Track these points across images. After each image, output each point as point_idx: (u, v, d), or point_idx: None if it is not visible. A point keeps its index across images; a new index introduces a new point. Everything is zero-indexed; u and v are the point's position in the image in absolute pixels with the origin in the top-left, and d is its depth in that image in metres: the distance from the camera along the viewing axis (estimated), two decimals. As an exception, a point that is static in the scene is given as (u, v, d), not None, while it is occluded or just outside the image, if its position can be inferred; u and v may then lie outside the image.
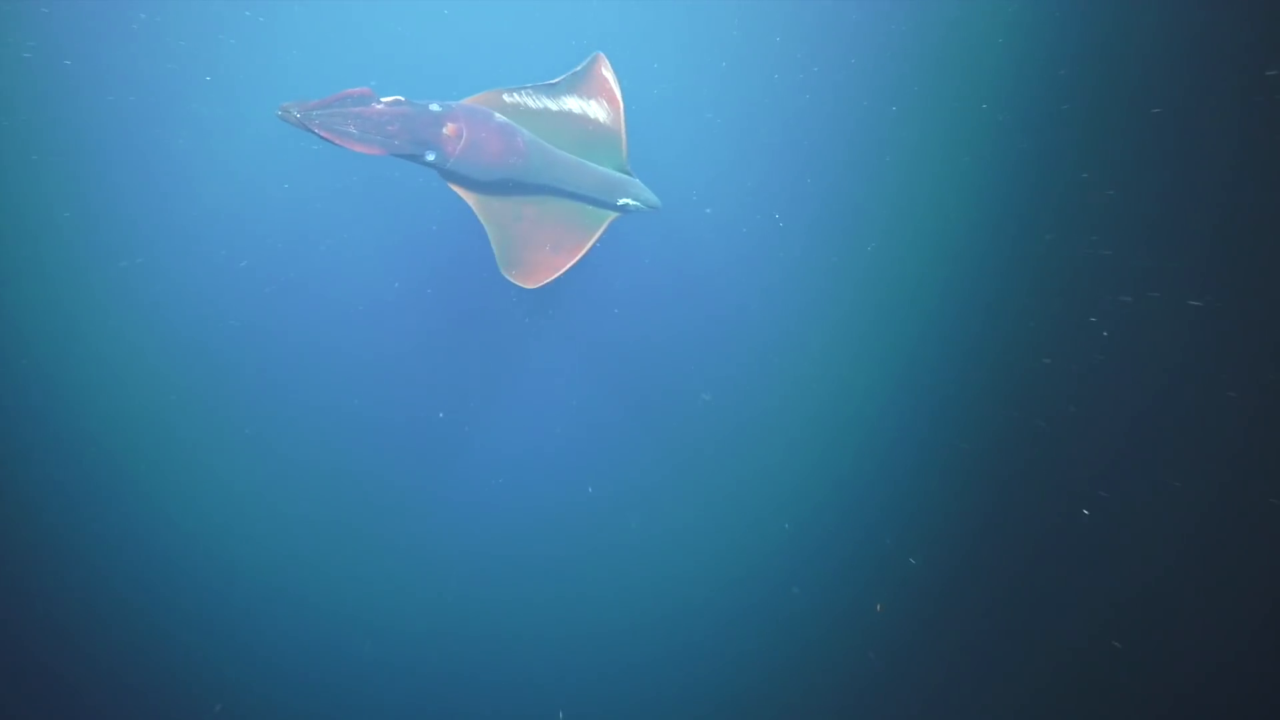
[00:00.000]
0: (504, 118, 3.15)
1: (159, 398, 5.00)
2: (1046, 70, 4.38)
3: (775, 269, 4.94)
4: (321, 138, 2.63)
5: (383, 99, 2.78)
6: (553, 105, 3.43)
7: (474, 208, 3.17)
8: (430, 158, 2.91)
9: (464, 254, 4.71)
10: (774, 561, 5.18)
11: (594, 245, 3.55)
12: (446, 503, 5.23)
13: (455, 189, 3.15)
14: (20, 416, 4.94)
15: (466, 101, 3.17)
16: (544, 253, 3.31)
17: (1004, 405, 4.63)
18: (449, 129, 2.92)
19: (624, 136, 3.57)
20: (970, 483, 4.74)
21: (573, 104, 3.51)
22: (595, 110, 3.55)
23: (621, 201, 3.53)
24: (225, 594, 5.15)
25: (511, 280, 3.24)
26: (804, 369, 4.97)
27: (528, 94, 3.43)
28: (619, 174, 3.58)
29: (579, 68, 3.49)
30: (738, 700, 5.12)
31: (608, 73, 3.48)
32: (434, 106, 2.93)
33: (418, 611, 5.20)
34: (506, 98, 3.36)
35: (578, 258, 3.45)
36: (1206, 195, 3.69)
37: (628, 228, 4.71)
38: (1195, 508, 4.24)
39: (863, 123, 4.81)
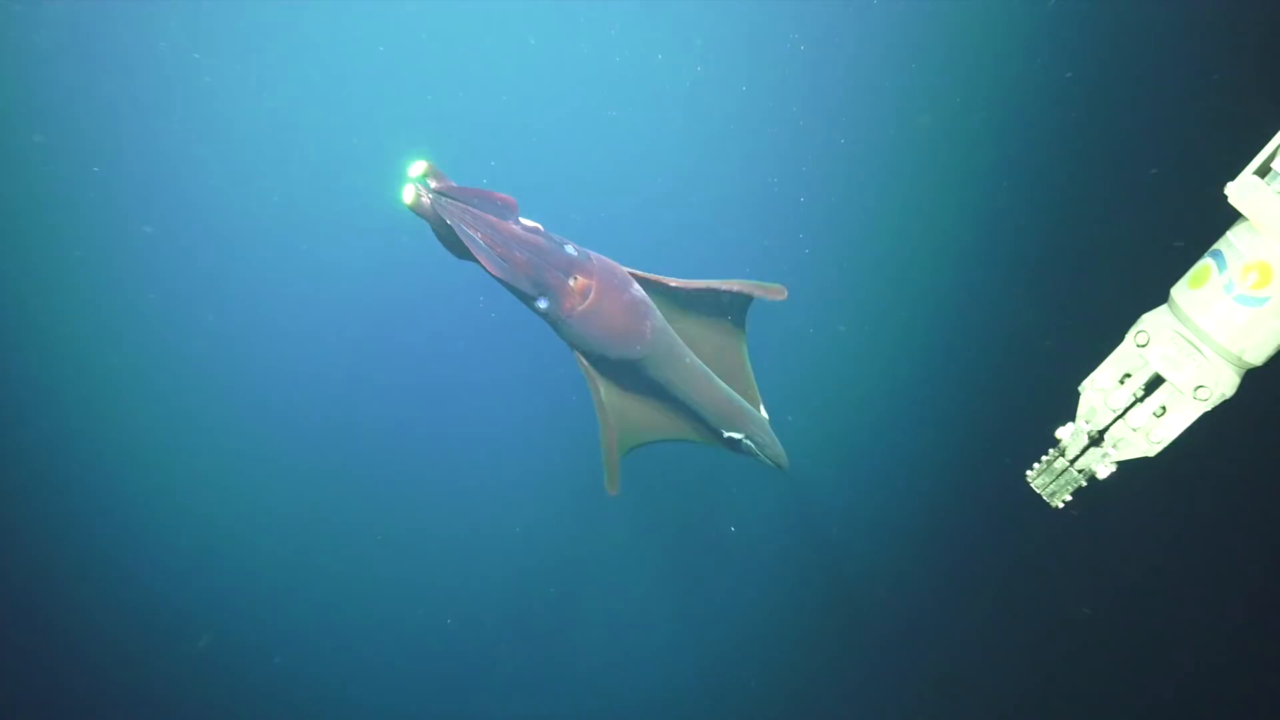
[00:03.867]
0: (641, 291, 2.64)
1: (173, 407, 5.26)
2: (1045, 77, 4.27)
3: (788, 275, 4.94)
4: (436, 228, 2.23)
5: (522, 219, 2.36)
6: (688, 289, 2.86)
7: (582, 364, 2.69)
8: (542, 305, 2.43)
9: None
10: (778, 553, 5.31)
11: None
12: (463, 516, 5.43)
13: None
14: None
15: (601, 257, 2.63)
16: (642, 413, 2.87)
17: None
18: (577, 282, 2.43)
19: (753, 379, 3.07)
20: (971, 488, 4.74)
21: (708, 307, 2.96)
22: (730, 329, 3.03)
23: (734, 435, 3.00)
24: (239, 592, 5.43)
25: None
26: (806, 371, 4.99)
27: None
28: (747, 404, 3.03)
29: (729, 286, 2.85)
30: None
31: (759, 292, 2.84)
32: (569, 248, 2.46)
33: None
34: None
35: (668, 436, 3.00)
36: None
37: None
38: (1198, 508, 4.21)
39: (863, 137, 4.76)
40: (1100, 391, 1.71)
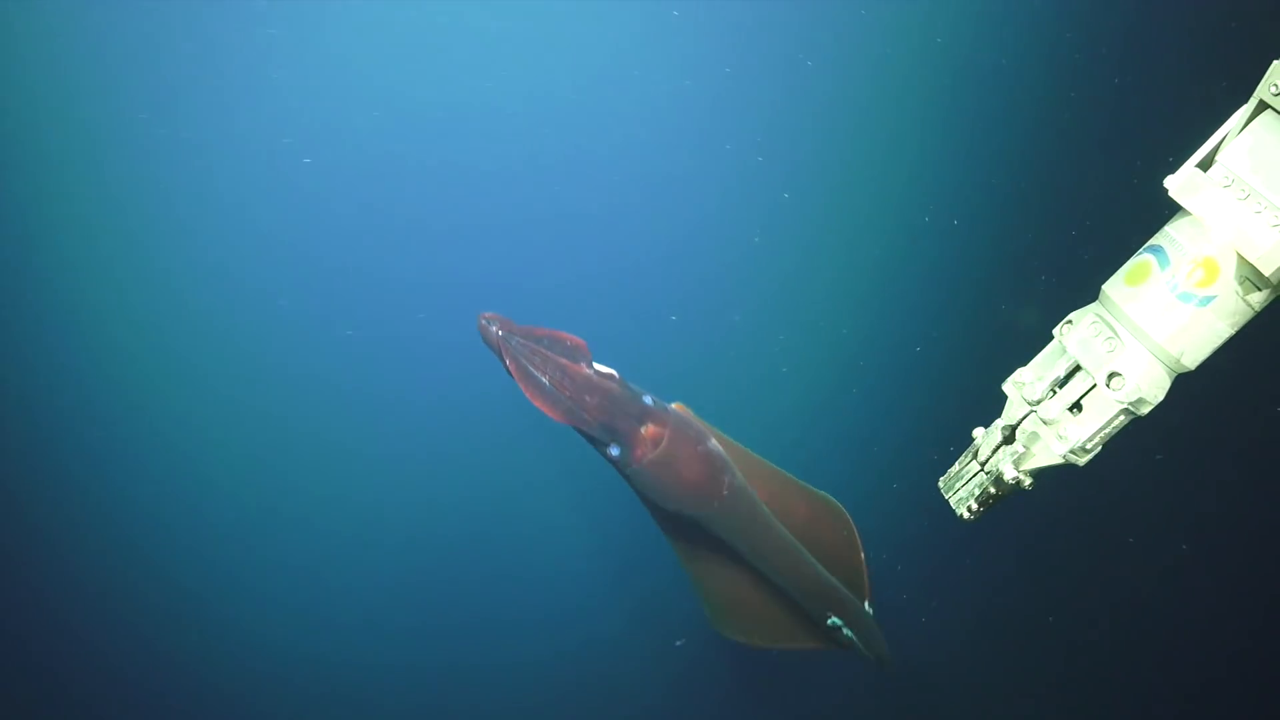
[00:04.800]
0: (718, 446, 2.56)
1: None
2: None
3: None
4: (505, 366, 2.20)
5: (597, 364, 2.33)
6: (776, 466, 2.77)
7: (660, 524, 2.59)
8: (614, 453, 2.38)
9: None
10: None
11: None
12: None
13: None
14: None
15: (679, 407, 2.59)
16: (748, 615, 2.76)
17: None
18: (649, 429, 2.37)
19: (865, 565, 2.87)
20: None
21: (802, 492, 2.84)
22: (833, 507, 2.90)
23: (832, 619, 2.81)
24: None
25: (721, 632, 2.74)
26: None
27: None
28: (842, 588, 2.85)
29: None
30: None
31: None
32: (646, 399, 2.42)
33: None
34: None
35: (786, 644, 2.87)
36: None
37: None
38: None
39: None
40: (1019, 385, 1.59)
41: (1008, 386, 1.60)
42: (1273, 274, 1.35)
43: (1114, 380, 1.48)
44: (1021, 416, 1.57)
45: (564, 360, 2.22)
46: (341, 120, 4.37)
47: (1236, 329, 1.46)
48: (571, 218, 4.43)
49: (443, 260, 4.50)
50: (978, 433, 1.63)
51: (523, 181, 4.43)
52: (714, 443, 2.55)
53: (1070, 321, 1.57)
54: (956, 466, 1.66)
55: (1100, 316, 1.52)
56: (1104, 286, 1.56)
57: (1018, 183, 4.14)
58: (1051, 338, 1.63)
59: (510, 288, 4.43)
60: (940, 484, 1.68)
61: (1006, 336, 3.96)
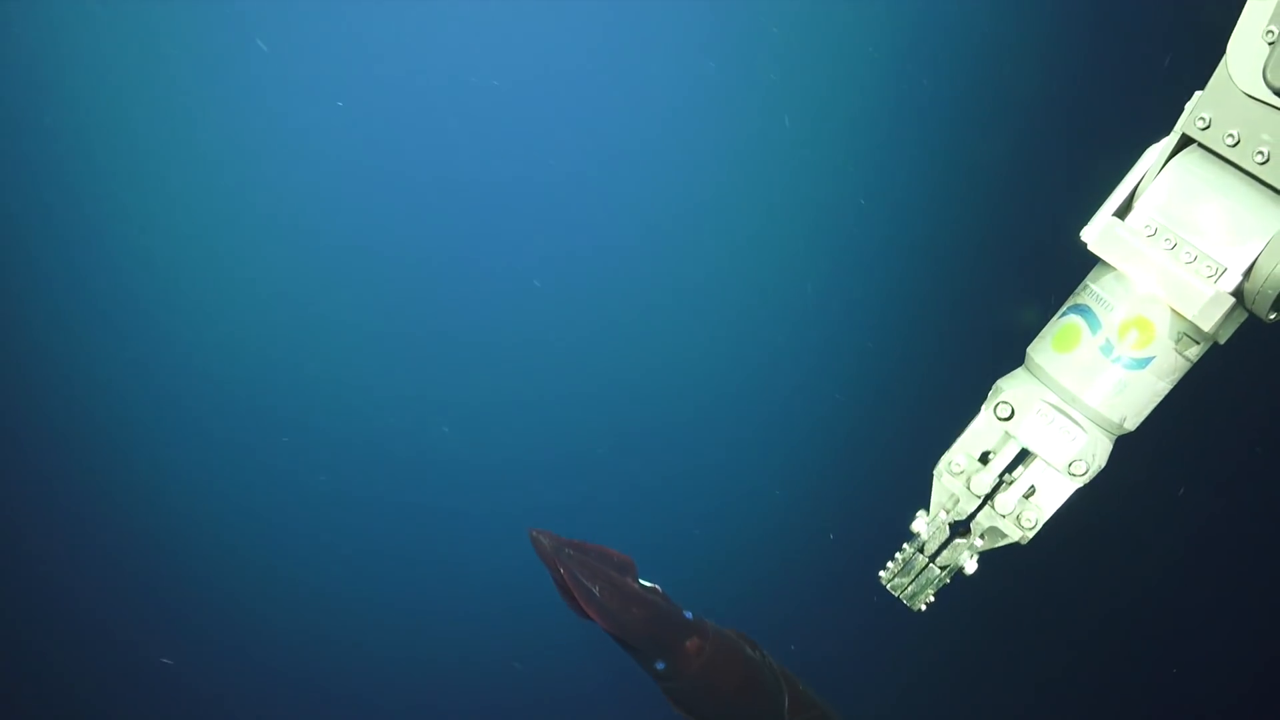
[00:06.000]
0: (756, 656, 2.63)
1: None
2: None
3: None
4: (555, 576, 2.25)
5: (641, 579, 2.40)
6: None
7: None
8: (660, 667, 2.44)
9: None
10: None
11: None
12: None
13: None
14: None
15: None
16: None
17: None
18: (691, 644, 2.43)
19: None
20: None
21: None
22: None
23: None
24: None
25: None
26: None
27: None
28: None
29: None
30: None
31: None
32: (687, 614, 2.48)
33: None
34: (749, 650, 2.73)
35: None
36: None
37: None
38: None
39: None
40: (960, 475, 1.43)
41: (946, 478, 1.43)
42: (1211, 328, 1.21)
43: (1075, 465, 1.35)
44: (974, 510, 1.41)
45: (613, 572, 2.32)
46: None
47: (1175, 384, 1.33)
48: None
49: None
50: (919, 526, 1.47)
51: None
52: (750, 651, 2.65)
53: (1007, 402, 1.39)
54: (899, 562, 1.51)
55: (1049, 404, 1.36)
56: (1031, 352, 1.39)
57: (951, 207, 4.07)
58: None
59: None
60: (884, 580, 1.52)
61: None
